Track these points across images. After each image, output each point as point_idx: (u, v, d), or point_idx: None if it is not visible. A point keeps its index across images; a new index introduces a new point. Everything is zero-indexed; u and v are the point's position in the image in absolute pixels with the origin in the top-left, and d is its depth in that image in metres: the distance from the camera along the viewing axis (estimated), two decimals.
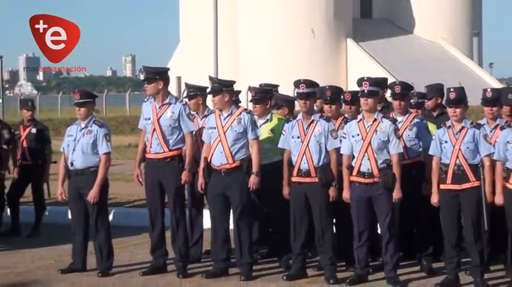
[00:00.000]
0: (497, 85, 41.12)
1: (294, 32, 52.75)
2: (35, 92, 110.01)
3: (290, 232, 10.10)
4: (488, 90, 10.23)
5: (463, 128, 9.45)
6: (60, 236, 11.95)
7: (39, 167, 13.62)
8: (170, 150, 10.27)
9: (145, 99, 10.69)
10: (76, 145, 10.43)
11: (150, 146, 10.35)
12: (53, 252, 11.71)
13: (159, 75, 10.42)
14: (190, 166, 10.28)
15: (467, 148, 9.39)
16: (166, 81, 10.50)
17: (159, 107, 10.33)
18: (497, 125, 9.87)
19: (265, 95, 11.26)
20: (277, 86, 12.26)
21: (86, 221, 10.53)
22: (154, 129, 10.27)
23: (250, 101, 11.34)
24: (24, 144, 13.54)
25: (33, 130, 13.62)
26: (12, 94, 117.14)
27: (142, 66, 10.95)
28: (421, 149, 10.28)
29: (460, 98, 9.59)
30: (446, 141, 9.48)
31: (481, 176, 9.38)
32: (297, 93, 10.27)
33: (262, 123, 10.86)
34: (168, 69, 10.96)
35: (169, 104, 10.34)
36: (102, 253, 10.46)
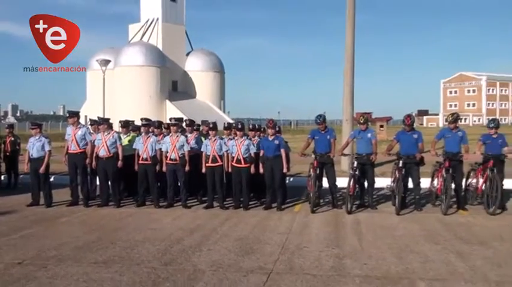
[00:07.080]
0: (231, 121, 42.24)
1: (141, 96, 52.22)
2: (15, 121, 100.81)
3: (138, 184, 9.95)
4: (225, 123, 10.57)
5: (215, 140, 9.62)
6: (26, 189, 11.14)
7: (15, 157, 13.01)
8: (80, 149, 9.95)
9: (68, 126, 10.27)
10: (34, 146, 9.93)
11: (70, 147, 10.01)
12: (22, 197, 10.87)
13: (75, 114, 10.11)
14: (89, 156, 9.99)
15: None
16: (78, 117, 10.17)
17: (75, 129, 9.99)
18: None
19: (126, 124, 11.10)
20: (134, 121, 12.06)
21: (38, 182, 9.99)
22: (73, 139, 9.94)
23: (120, 126, 11.11)
24: (8, 146, 12.91)
25: (12, 139, 12.98)
26: (3, 122, 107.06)
27: (67, 110, 10.42)
28: (198, 149, 10.23)
29: (215, 126, 9.83)
30: (207, 145, 9.64)
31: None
32: (142, 124, 10.31)
33: (125, 137, 10.67)
34: (79, 111, 10.60)
35: (80, 128, 10.01)
36: (46, 196, 9.99)
